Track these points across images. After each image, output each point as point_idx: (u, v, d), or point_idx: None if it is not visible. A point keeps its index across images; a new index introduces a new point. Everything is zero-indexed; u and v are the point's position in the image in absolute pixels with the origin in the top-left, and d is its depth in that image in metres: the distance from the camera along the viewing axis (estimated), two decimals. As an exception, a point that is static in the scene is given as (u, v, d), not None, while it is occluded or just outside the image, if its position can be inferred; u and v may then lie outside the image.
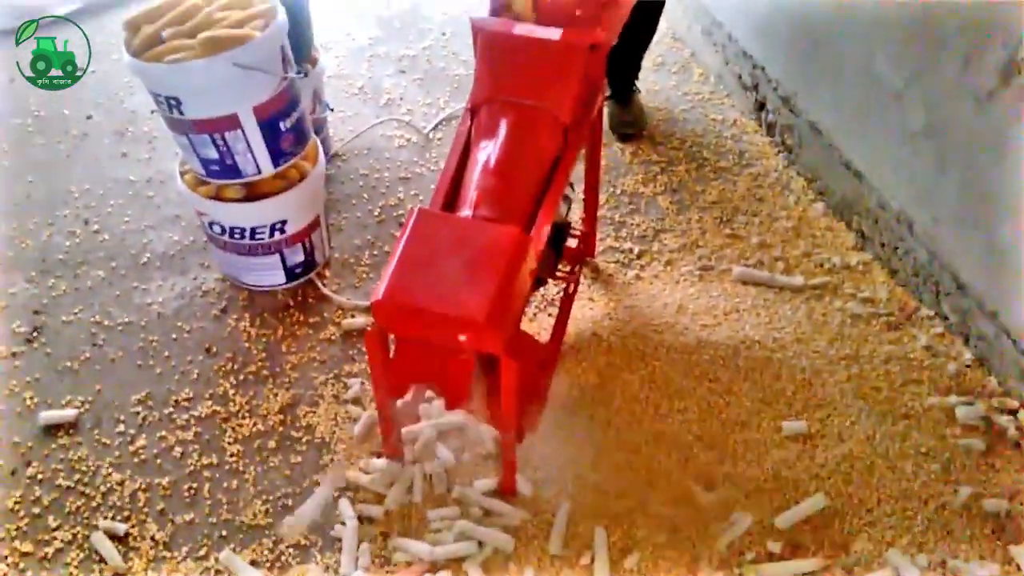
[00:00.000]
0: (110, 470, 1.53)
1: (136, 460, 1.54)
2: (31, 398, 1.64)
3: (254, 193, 1.70)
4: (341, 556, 1.38)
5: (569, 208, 1.59)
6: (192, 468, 1.53)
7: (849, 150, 1.89)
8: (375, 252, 1.94)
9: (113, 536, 1.42)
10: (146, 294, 1.86)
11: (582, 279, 1.82)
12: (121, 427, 1.60)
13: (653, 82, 2.39)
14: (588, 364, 1.66)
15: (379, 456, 1.52)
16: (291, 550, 1.41)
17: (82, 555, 1.41)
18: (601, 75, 1.50)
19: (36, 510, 1.47)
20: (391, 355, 1.31)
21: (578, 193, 1.79)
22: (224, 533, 1.44)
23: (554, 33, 1.36)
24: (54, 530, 1.44)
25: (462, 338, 1.17)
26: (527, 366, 1.29)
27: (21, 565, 1.40)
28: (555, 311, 1.71)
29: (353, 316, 1.79)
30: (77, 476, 1.52)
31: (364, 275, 1.89)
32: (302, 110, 1.72)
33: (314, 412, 1.61)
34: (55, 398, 1.65)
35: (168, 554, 1.41)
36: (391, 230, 1.99)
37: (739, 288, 1.82)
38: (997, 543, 1.37)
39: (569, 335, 1.69)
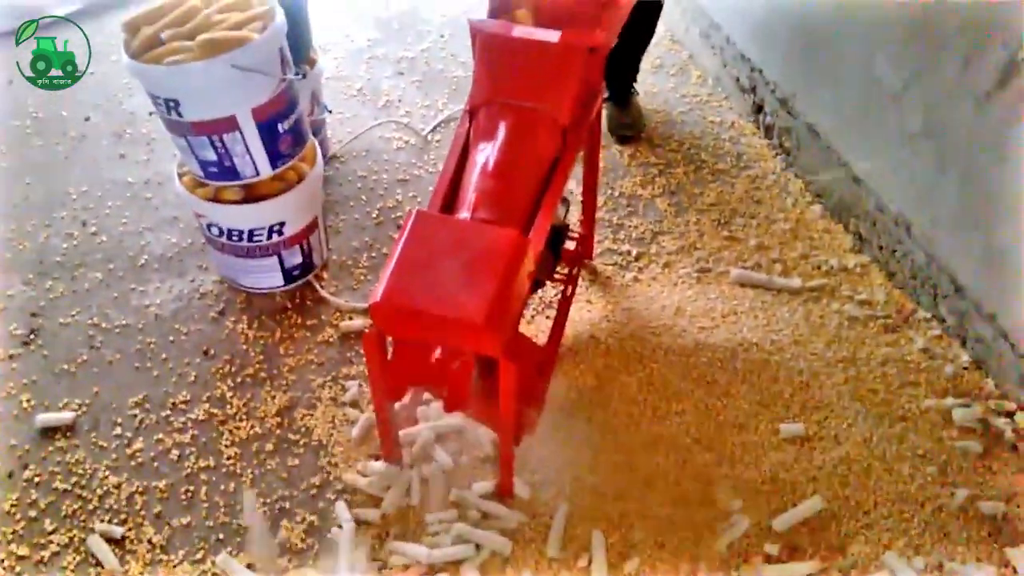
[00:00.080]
0: (107, 473, 1.52)
1: (133, 463, 1.54)
2: (28, 400, 1.64)
3: (252, 195, 1.70)
4: (338, 559, 1.38)
5: (567, 210, 1.60)
6: (189, 471, 1.53)
7: (847, 152, 1.89)
8: (373, 254, 1.94)
9: (110, 539, 1.42)
10: (144, 296, 1.85)
11: (580, 281, 1.82)
12: (118, 430, 1.59)
13: (651, 84, 2.40)
14: (586, 366, 1.66)
15: (377, 459, 1.51)
16: (288, 553, 1.40)
17: (78, 558, 1.40)
18: (600, 77, 1.50)
19: (32, 513, 1.46)
20: (389, 357, 1.31)
21: (576, 195, 1.79)
22: (221, 536, 1.43)
23: (552, 35, 1.36)
24: (50, 533, 1.44)
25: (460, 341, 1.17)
26: (525, 368, 1.29)
27: (17, 568, 1.39)
28: (553, 313, 1.71)
29: (351, 318, 1.79)
30: (74, 479, 1.51)
31: (362, 277, 1.89)
32: (300, 112, 1.72)
33: (312, 415, 1.61)
34: (52, 400, 1.64)
35: (165, 557, 1.41)
36: (389, 232, 1.99)
37: (737, 290, 1.82)
38: (994, 545, 1.38)
39: (567, 337, 1.69)
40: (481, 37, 1.40)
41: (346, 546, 1.39)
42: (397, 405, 1.42)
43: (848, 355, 1.67)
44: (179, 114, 1.56)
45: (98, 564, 1.39)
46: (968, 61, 1.48)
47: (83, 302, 1.84)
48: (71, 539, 1.43)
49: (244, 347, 1.74)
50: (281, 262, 1.80)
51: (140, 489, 1.50)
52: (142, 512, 1.47)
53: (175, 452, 1.55)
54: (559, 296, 1.73)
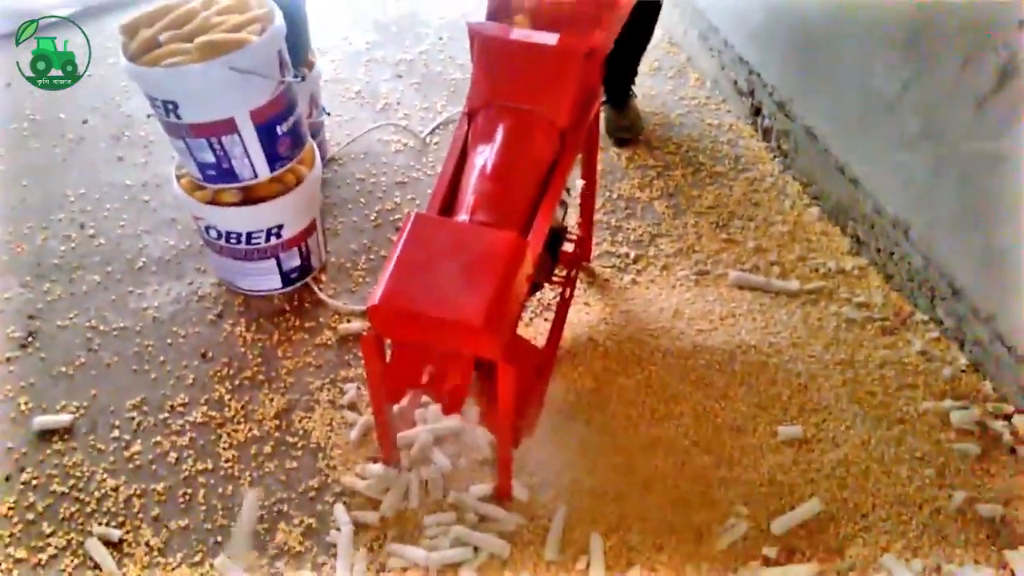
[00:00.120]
0: (105, 476, 1.52)
1: (131, 466, 1.54)
2: (25, 403, 1.64)
3: (250, 197, 1.70)
4: (336, 562, 1.38)
5: (565, 213, 1.59)
6: (187, 474, 1.52)
7: (845, 155, 1.89)
8: (371, 257, 1.94)
9: (107, 542, 1.42)
10: (142, 299, 1.85)
11: (578, 284, 1.82)
12: (116, 432, 1.59)
13: (649, 87, 2.40)
14: (584, 369, 1.66)
15: (375, 461, 1.51)
16: (286, 556, 1.40)
17: (76, 561, 1.40)
18: (598, 80, 1.51)
19: (30, 516, 1.46)
20: (387, 360, 1.31)
21: (574, 198, 1.79)
22: (219, 539, 1.43)
23: (551, 38, 1.35)
24: (48, 536, 1.43)
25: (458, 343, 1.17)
26: (524, 371, 1.29)
27: (15, 571, 1.39)
28: (551, 316, 1.71)
29: (349, 321, 1.79)
30: (72, 482, 1.51)
31: (360, 280, 1.89)
32: (299, 114, 1.72)
33: (310, 417, 1.61)
34: (50, 403, 1.64)
35: (163, 560, 1.40)
36: (388, 235, 1.99)
37: (735, 293, 1.82)
38: (992, 548, 1.38)
39: (565, 340, 1.69)
40: (479, 40, 1.40)
41: (345, 549, 1.39)
42: (395, 407, 1.42)
43: (846, 357, 1.67)
44: (177, 116, 1.56)
45: (96, 567, 1.39)
46: (967, 62, 1.49)
47: (81, 304, 1.84)
48: (69, 542, 1.43)
49: (242, 350, 1.74)
50: (279, 264, 1.80)
51: (138, 492, 1.50)
52: (140, 515, 1.46)
53: (173, 455, 1.55)
54: (557, 298, 1.73)
